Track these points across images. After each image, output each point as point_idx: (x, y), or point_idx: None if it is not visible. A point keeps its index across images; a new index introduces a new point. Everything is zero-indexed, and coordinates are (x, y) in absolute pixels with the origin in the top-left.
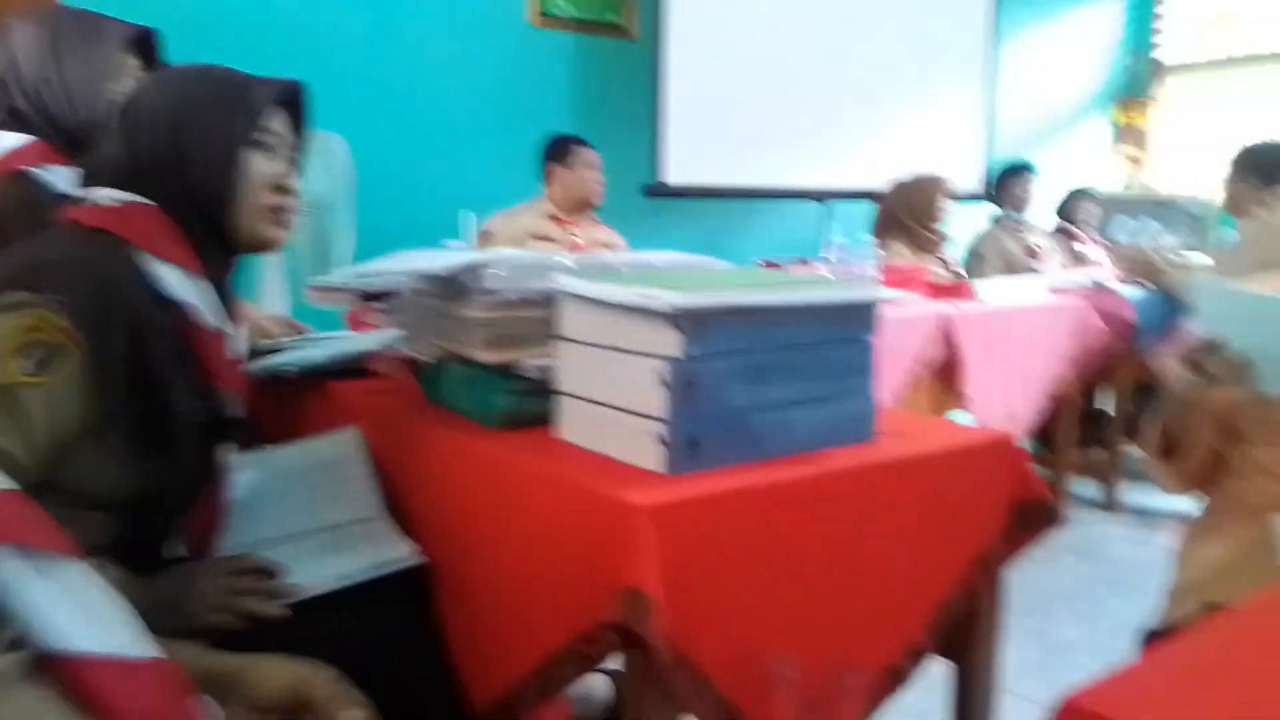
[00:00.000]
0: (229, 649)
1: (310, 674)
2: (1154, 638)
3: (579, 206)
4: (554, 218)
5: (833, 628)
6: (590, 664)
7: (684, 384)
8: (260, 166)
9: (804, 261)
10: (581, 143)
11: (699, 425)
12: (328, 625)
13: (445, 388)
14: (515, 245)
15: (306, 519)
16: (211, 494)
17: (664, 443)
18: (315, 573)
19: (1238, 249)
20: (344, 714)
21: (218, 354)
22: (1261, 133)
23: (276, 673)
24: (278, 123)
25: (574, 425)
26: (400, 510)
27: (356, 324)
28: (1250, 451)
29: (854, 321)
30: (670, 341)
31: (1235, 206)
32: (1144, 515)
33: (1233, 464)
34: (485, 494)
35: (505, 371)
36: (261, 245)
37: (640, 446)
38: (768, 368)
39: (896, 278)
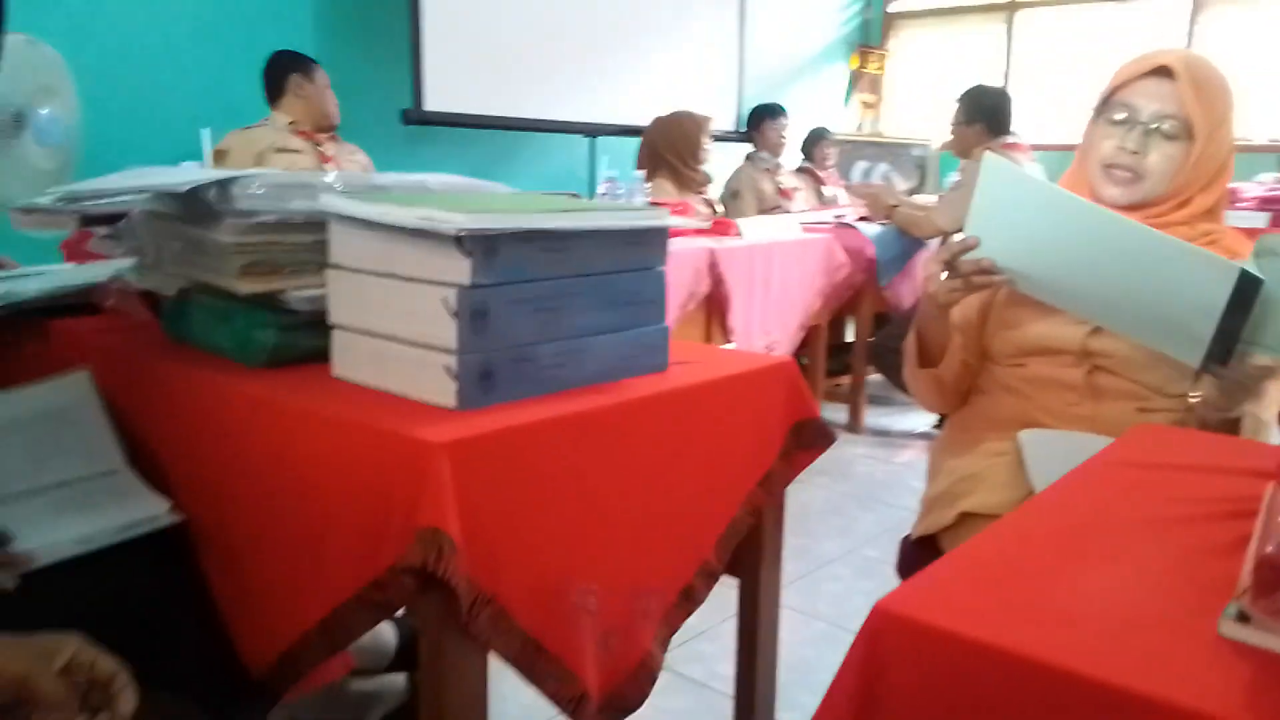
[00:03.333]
0: None
1: (51, 646)
2: (913, 545)
3: (321, 125)
4: (298, 131)
5: (631, 555)
6: (383, 611)
7: (474, 313)
8: None
9: (574, 197)
10: (313, 61)
11: (491, 357)
12: (70, 596)
13: (193, 324)
14: (256, 164)
15: (32, 476)
16: None
17: (454, 376)
18: (50, 537)
19: (959, 188)
20: (101, 663)
21: None
22: (985, 79)
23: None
24: None
25: (351, 361)
26: (145, 463)
27: (76, 256)
28: (994, 370)
29: (647, 249)
30: (458, 267)
31: (962, 149)
32: (884, 436)
33: (978, 382)
34: (252, 440)
35: (267, 303)
36: None
37: (428, 381)
38: (562, 296)
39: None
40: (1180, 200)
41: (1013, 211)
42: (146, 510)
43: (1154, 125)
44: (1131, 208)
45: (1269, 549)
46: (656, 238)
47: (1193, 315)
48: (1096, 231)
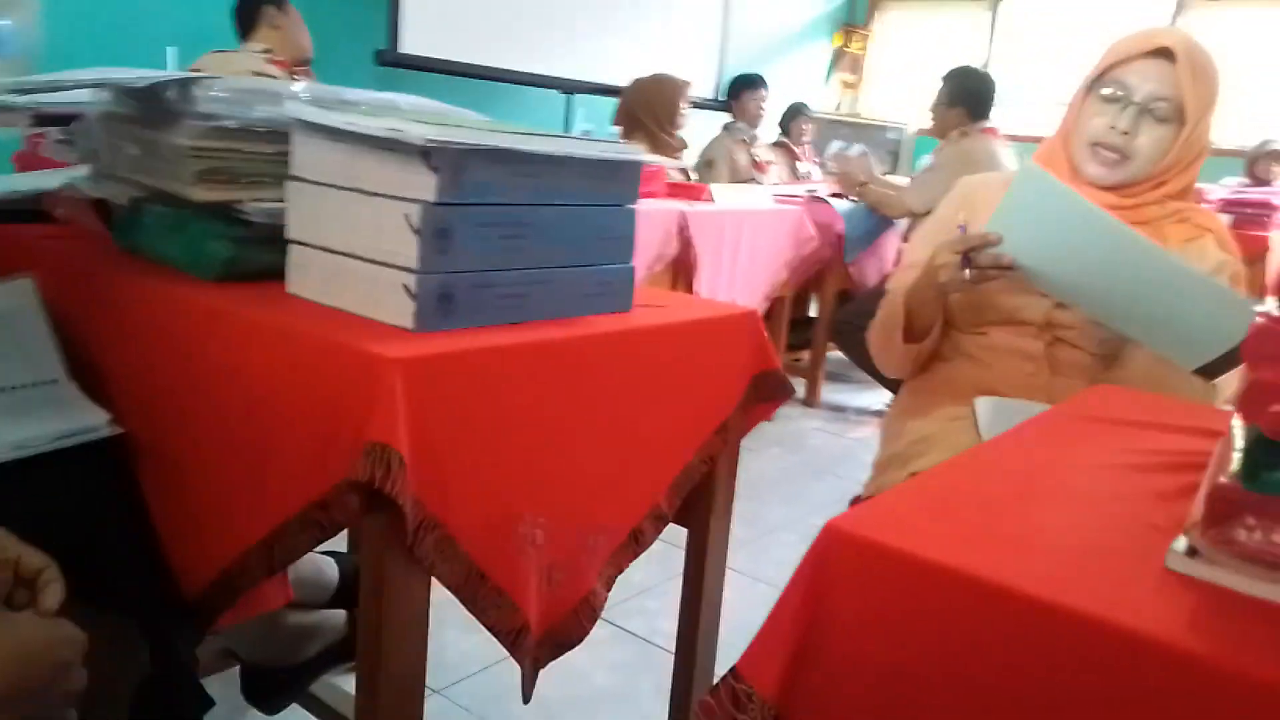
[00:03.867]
0: None
1: None
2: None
3: (296, 58)
4: (274, 61)
5: (583, 491)
6: (326, 531)
7: (437, 232)
8: None
9: None
10: None
11: (451, 279)
12: (2, 503)
13: (146, 234)
14: None
15: None
16: None
17: (412, 296)
18: None
19: (933, 170)
20: (27, 558)
21: None
22: (968, 62)
23: None
24: None
25: (307, 277)
26: (90, 376)
27: (28, 165)
28: (956, 337)
29: (619, 184)
30: (423, 183)
31: (940, 130)
32: (840, 412)
33: (940, 348)
34: (200, 354)
35: (222, 214)
36: None
37: (385, 300)
38: (529, 223)
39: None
40: (1157, 182)
41: (1041, 219)
42: (85, 421)
43: (1147, 106)
44: (1111, 188)
45: (1221, 479)
46: (629, 173)
47: (1205, 338)
48: (1125, 254)
